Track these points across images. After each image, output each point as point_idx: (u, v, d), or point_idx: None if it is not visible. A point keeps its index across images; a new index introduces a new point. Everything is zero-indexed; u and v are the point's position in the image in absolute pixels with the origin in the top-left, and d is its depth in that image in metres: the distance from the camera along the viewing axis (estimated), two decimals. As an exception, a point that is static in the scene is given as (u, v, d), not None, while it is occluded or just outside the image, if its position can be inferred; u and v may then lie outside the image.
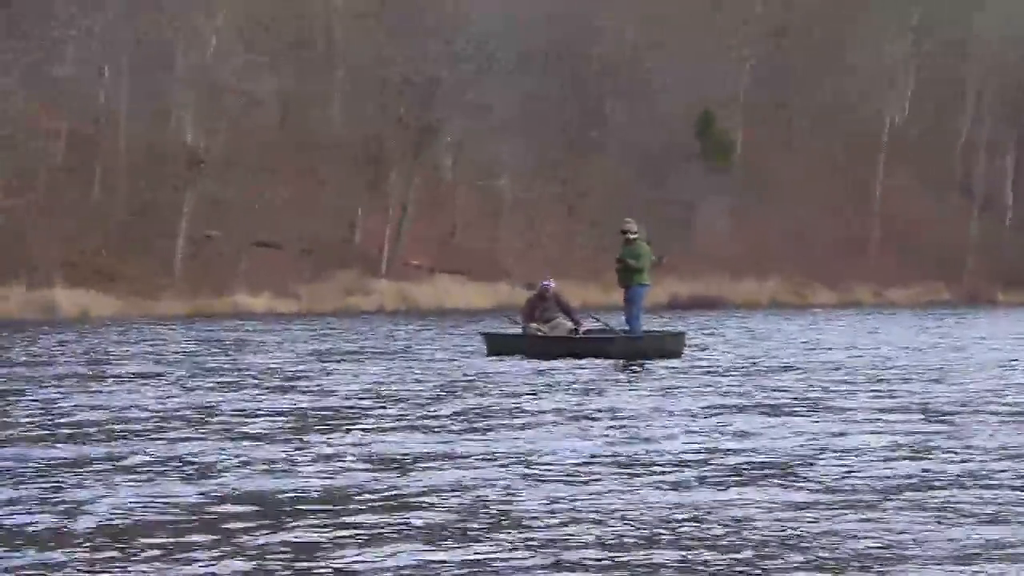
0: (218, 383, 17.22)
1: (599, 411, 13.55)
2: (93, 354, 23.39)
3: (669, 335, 22.19)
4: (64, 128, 48.87)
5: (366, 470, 9.81)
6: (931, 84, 68.28)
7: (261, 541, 7.42)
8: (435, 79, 52.42)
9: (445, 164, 57.31)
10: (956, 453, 10.56)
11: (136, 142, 49.92)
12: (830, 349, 24.84)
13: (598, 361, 19.81)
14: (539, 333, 21.52)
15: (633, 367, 19.27)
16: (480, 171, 56.52)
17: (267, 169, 51.61)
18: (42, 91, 48.24)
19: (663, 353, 20.70)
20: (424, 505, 8.38)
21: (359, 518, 8.00)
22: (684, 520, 7.90)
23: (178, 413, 13.68)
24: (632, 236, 21.55)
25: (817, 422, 12.73)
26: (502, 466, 9.94)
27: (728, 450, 10.75)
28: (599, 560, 6.91)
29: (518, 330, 22.15)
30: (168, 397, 15.31)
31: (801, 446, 11.04)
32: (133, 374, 18.69)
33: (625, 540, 7.33)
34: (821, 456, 10.51)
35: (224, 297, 48.12)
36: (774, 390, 16.00)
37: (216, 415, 13.53)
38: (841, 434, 11.67)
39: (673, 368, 19.08)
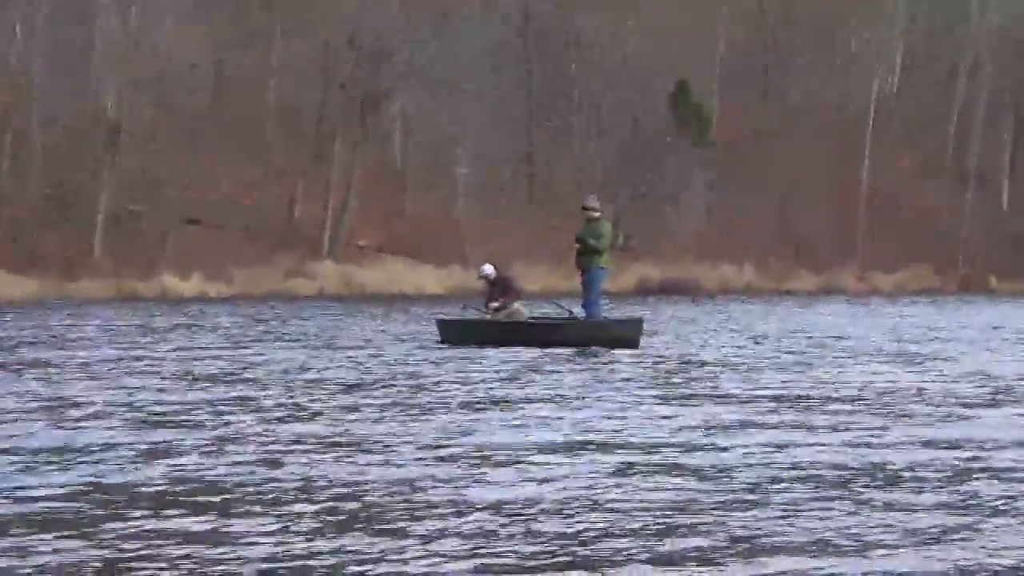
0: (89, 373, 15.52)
1: (496, 400, 12.72)
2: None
3: (623, 322, 20.96)
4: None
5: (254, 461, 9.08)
6: (923, 54, 65.24)
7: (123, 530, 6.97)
8: (384, 41, 48.90)
9: (394, 135, 53.83)
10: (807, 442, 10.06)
11: (52, 109, 46.25)
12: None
13: (549, 349, 19.07)
14: (486, 317, 21.18)
15: (584, 355, 18.39)
16: (433, 144, 53.00)
17: (198, 139, 48.04)
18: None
19: (618, 342, 19.57)
20: (302, 498, 7.87)
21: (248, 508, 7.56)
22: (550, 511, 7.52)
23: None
24: (595, 215, 20.53)
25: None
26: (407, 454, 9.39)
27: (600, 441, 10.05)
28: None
29: (472, 316, 21.72)
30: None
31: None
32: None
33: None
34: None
35: (151, 280, 44.71)
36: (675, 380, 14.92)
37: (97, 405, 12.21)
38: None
39: (616, 357, 18.02)
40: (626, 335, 19.73)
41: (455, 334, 20.59)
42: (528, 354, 18.24)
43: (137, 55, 47.01)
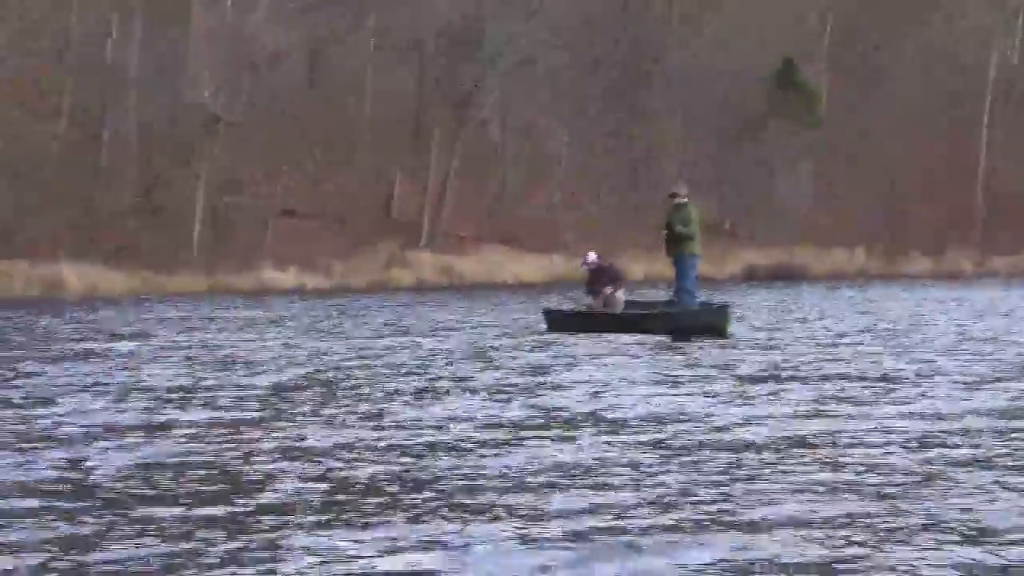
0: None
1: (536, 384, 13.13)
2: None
3: (710, 310, 20.87)
4: (69, 90, 46.59)
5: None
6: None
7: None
8: (477, 30, 49.55)
9: (491, 123, 54.45)
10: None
11: (148, 103, 47.48)
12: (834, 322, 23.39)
13: (639, 336, 19.46)
14: (583, 308, 22.27)
15: (676, 343, 18.71)
16: (530, 129, 53.58)
17: (294, 131, 48.99)
18: (46, 50, 46.20)
19: (705, 329, 19.89)
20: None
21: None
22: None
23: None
24: (681, 200, 20.83)
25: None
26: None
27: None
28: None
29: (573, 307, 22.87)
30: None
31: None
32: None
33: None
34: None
35: (248, 272, 45.64)
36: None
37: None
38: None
39: (702, 344, 18.26)
40: (713, 322, 19.97)
41: (560, 323, 21.51)
42: (620, 340, 18.70)
43: (232, 47, 48.06)
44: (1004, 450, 8.75)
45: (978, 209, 59.66)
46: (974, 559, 5.99)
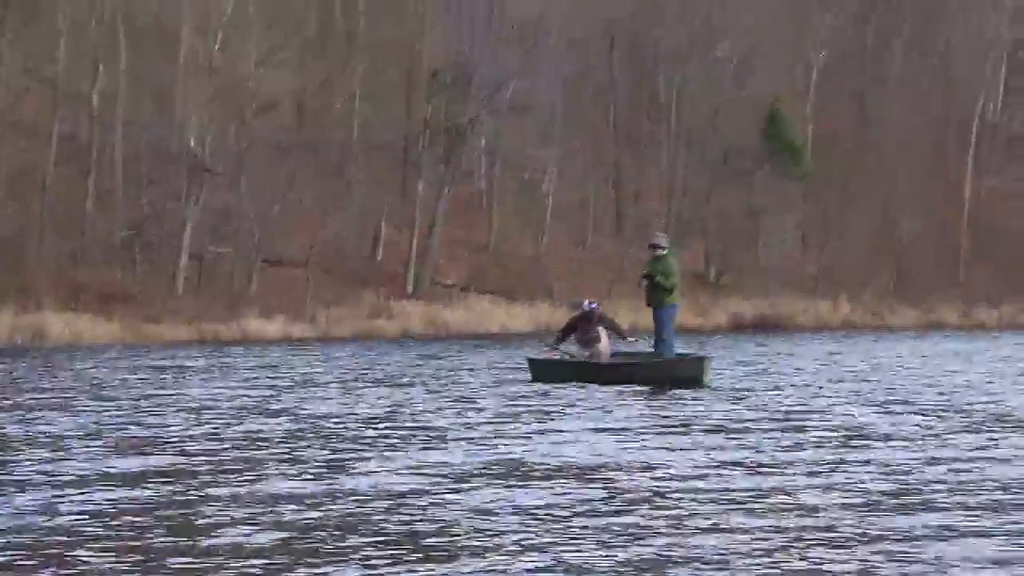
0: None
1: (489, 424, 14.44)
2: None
3: (687, 361, 21.48)
4: (54, 131, 46.23)
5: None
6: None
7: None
8: (469, 70, 49.49)
9: (479, 170, 54.43)
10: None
11: (135, 147, 47.18)
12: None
13: (619, 387, 20.09)
14: (566, 358, 22.35)
15: (648, 392, 19.47)
16: (520, 177, 53.61)
17: (281, 176, 48.76)
18: (31, 88, 45.91)
19: (682, 380, 20.51)
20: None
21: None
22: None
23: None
24: (661, 252, 21.40)
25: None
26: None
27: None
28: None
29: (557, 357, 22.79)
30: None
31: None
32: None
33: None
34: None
35: (234, 321, 45.43)
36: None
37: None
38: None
39: (677, 394, 19.00)
40: (690, 373, 20.57)
41: (544, 373, 21.92)
42: (601, 392, 19.32)
43: (220, 90, 47.82)
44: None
45: (964, 261, 59.98)
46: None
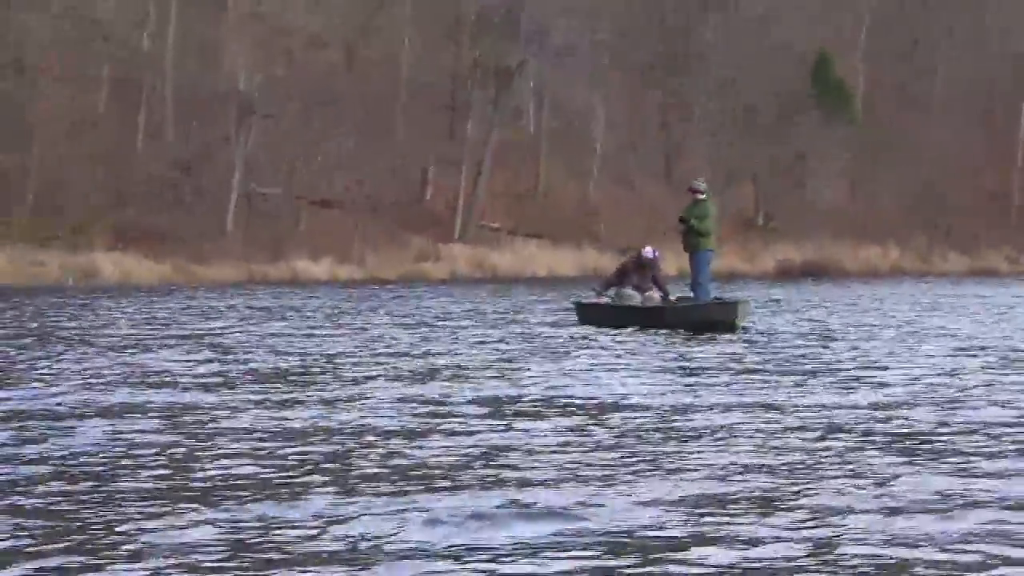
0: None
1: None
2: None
3: (721, 305, 21.26)
4: (104, 75, 46.97)
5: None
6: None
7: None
8: (515, 13, 49.82)
9: (527, 112, 54.73)
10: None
11: (183, 89, 47.84)
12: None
13: (652, 331, 20.09)
14: (610, 302, 22.19)
15: (679, 336, 19.41)
16: (567, 120, 53.88)
17: (330, 118, 49.30)
18: (81, 33, 46.55)
19: (715, 324, 20.40)
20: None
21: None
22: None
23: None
24: (700, 196, 21.26)
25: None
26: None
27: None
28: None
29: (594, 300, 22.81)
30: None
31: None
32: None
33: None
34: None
35: (282, 261, 46.12)
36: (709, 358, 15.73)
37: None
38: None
39: (710, 338, 18.86)
40: (723, 317, 20.52)
41: (590, 316, 22.30)
42: (635, 336, 19.40)
43: (268, 32, 48.35)
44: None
45: (1015, 207, 59.92)
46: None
